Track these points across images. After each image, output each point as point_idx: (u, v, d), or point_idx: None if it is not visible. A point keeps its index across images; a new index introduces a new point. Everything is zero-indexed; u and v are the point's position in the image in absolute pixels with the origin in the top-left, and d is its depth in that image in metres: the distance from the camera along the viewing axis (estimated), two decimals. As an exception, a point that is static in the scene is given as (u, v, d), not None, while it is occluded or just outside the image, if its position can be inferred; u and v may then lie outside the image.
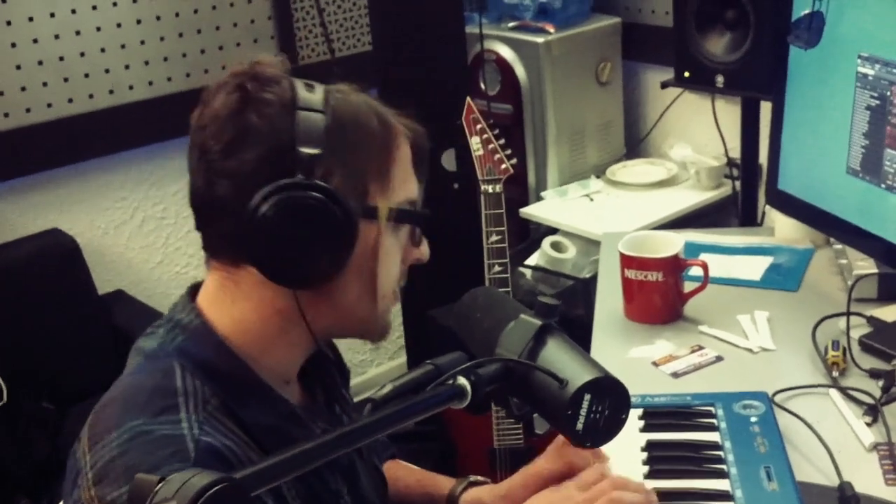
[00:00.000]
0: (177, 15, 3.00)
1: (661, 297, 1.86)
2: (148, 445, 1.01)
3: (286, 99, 1.10)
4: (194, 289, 1.21)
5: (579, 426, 0.95)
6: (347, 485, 1.23)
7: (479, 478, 1.49)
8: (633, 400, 1.01)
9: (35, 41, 2.77)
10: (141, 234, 3.12)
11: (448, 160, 2.98)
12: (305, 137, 1.08)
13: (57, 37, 2.81)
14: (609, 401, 0.96)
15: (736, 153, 2.95)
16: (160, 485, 0.68)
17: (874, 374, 1.63)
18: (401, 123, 1.19)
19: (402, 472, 1.51)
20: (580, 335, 1.04)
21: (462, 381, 0.91)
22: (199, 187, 1.12)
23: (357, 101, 1.16)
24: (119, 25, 2.91)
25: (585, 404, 0.95)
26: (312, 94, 1.12)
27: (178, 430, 1.03)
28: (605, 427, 0.97)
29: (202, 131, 1.11)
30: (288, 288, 1.11)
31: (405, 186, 1.18)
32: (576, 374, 0.95)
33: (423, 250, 1.23)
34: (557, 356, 0.98)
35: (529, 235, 3.24)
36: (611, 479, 1.25)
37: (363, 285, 1.15)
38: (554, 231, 3.10)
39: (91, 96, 2.90)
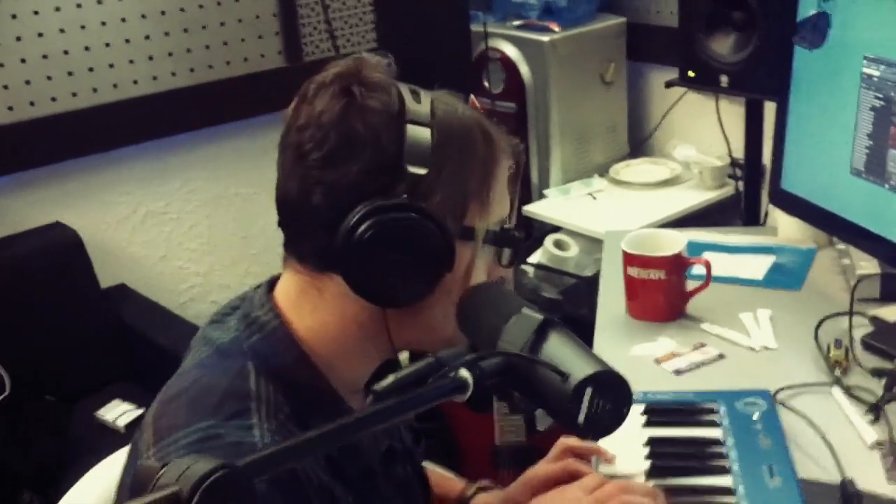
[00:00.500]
0: (181, 10, 3.01)
1: (664, 295, 1.86)
2: (217, 451, 0.95)
3: (393, 109, 1.06)
4: (271, 282, 1.17)
5: (581, 420, 0.95)
6: (405, 500, 1.23)
7: (489, 483, 1.49)
8: (635, 397, 1.01)
9: (40, 35, 2.78)
10: (144, 229, 3.12)
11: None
12: (412, 154, 1.04)
13: (62, 31, 2.81)
14: (611, 394, 0.96)
15: (739, 153, 2.96)
16: (163, 470, 0.68)
17: (876, 373, 1.63)
18: (501, 138, 1.15)
19: None
20: (583, 333, 1.04)
21: (464, 373, 0.91)
22: (291, 191, 1.07)
23: (463, 114, 1.12)
24: (124, 20, 2.91)
25: (587, 398, 0.95)
26: (420, 105, 1.08)
27: (249, 436, 1.01)
28: (607, 421, 0.97)
29: (300, 132, 1.07)
30: (377, 306, 1.08)
31: (501, 205, 1.14)
32: (577, 367, 0.95)
33: (505, 270, 1.18)
34: (559, 350, 0.98)
35: (532, 233, 3.25)
36: (617, 482, 1.26)
37: (450, 304, 1.11)
38: (557, 229, 3.11)
39: (95, 91, 2.90)
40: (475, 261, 1.12)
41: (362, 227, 1.02)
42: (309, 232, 1.08)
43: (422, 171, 1.04)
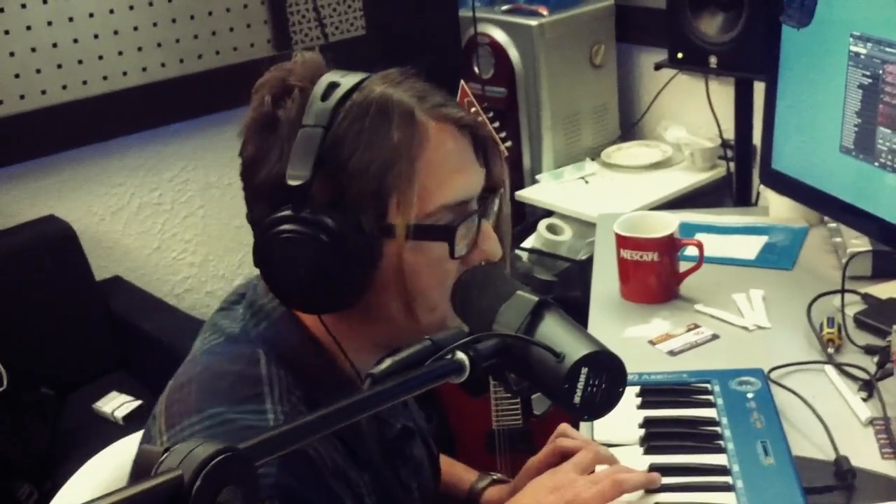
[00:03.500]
0: (170, 0, 3.00)
1: (657, 276, 1.87)
2: (230, 435, 0.97)
3: (293, 117, 1.05)
4: None
5: (577, 400, 0.96)
6: (417, 480, 1.24)
7: (500, 475, 1.48)
8: (630, 378, 1.01)
9: (28, 28, 2.77)
10: (137, 220, 3.12)
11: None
12: (299, 162, 1.02)
13: (50, 23, 2.80)
14: (606, 374, 0.97)
15: (730, 134, 2.96)
16: (165, 455, 0.68)
17: (869, 350, 1.64)
18: (442, 115, 1.09)
19: None
20: (577, 316, 1.04)
21: (460, 355, 0.92)
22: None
23: (378, 102, 1.06)
24: (112, 11, 2.90)
25: (582, 378, 0.96)
26: (323, 104, 1.04)
27: (262, 420, 1.02)
28: (602, 401, 0.98)
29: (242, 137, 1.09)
30: (310, 314, 1.09)
31: (443, 190, 1.07)
32: (573, 348, 0.96)
33: (488, 248, 1.13)
34: (554, 331, 0.99)
35: (525, 218, 3.25)
36: (612, 467, 1.26)
37: (400, 302, 1.08)
38: (549, 214, 3.11)
39: (85, 83, 2.89)
40: (406, 258, 1.06)
41: (262, 241, 1.04)
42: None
43: (299, 182, 1.01)
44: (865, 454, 1.40)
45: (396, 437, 1.21)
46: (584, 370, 0.96)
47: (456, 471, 1.49)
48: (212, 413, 1.02)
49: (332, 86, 1.06)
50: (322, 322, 1.09)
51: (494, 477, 1.48)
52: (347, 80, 1.07)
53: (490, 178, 1.16)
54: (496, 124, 2.44)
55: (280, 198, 1.03)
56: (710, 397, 1.53)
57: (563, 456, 1.32)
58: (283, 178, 1.03)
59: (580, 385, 0.96)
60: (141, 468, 0.70)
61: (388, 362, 0.89)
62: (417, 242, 1.07)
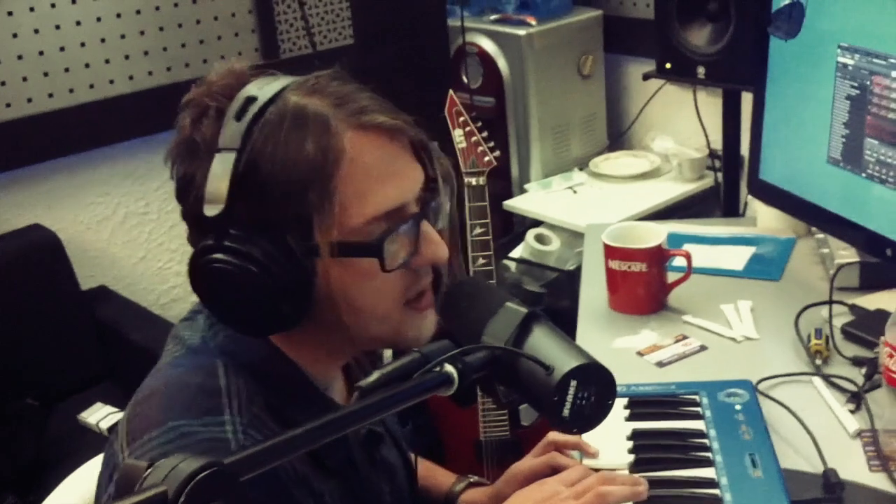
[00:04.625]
0: (157, 9, 2.99)
1: (645, 287, 1.87)
2: (190, 449, 0.97)
3: (209, 139, 1.03)
4: None
5: (566, 412, 0.96)
6: (390, 484, 1.23)
7: (478, 478, 1.48)
8: (618, 389, 1.01)
9: (14, 36, 2.76)
10: (123, 230, 3.11)
11: (431, 153, 2.97)
12: (214, 192, 1.00)
13: (36, 31, 2.79)
14: (595, 387, 0.97)
15: (718, 144, 2.97)
16: (149, 470, 0.68)
17: (857, 361, 1.64)
18: (365, 123, 1.04)
19: None
20: (565, 327, 1.04)
21: (449, 368, 0.92)
22: None
23: (293, 116, 1.02)
24: (99, 20, 2.89)
25: (572, 390, 0.95)
26: (237, 124, 1.01)
27: (221, 432, 1.01)
28: (592, 413, 0.97)
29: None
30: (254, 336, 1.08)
31: (367, 201, 1.03)
32: (562, 360, 0.96)
33: (430, 252, 1.08)
34: (543, 343, 0.98)
35: (513, 228, 3.25)
36: (597, 474, 1.26)
37: (345, 313, 1.06)
38: (538, 223, 3.11)
39: (71, 91, 2.88)
40: (338, 275, 1.03)
41: (192, 271, 1.04)
42: None
43: (216, 212, 1.00)
44: (853, 466, 1.40)
45: (363, 441, 1.20)
46: (574, 382, 0.95)
47: (434, 475, 1.50)
48: (172, 426, 1.01)
49: (249, 101, 1.03)
50: (267, 342, 1.08)
51: (472, 479, 1.48)
52: (265, 91, 1.04)
53: (427, 179, 1.11)
54: (484, 134, 2.44)
55: (206, 225, 1.02)
56: (699, 409, 1.52)
57: (554, 469, 1.32)
58: (197, 206, 1.02)
59: (569, 397, 0.95)
60: (125, 484, 0.69)
61: (376, 375, 0.89)
62: (346, 259, 1.03)
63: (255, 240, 1.00)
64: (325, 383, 1.15)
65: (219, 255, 1.00)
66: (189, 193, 1.04)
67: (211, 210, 1.00)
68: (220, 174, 1.00)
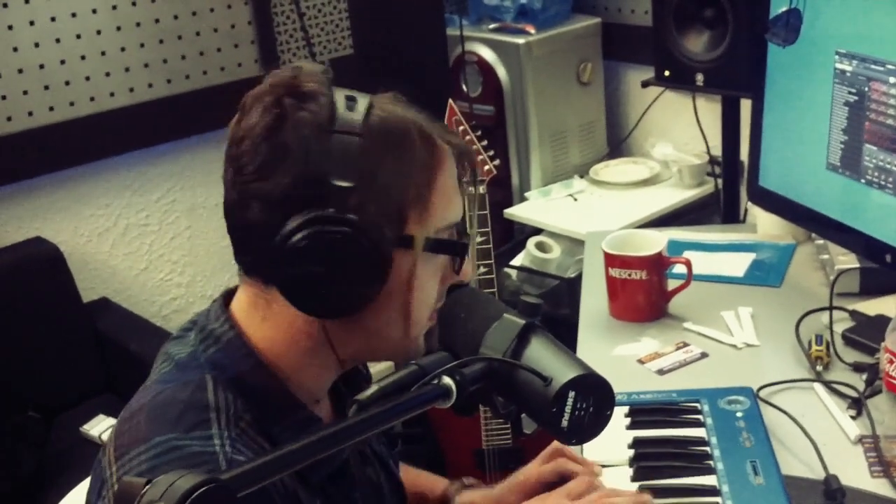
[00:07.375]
0: (157, 21, 3.00)
1: (646, 295, 1.87)
2: (178, 462, 0.98)
3: (323, 119, 1.05)
4: (227, 294, 1.17)
5: (564, 423, 0.96)
6: (375, 502, 1.23)
7: (473, 480, 1.48)
8: (619, 398, 1.02)
9: (15, 49, 2.76)
10: (124, 242, 3.11)
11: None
12: (339, 166, 1.03)
13: (37, 45, 2.80)
14: (593, 398, 0.97)
15: (717, 151, 2.96)
16: (147, 487, 0.68)
17: (858, 367, 1.64)
18: (446, 140, 1.13)
19: None
20: (566, 334, 1.05)
21: (447, 380, 0.92)
22: (231, 204, 1.08)
23: (400, 120, 1.09)
24: (99, 32, 2.90)
25: (570, 402, 0.95)
26: (352, 114, 1.06)
27: (209, 446, 1.01)
28: (590, 424, 0.98)
29: (237, 146, 1.07)
30: (315, 317, 1.08)
31: (448, 210, 1.12)
32: (559, 371, 0.96)
33: (468, 269, 1.16)
34: (541, 354, 0.98)
35: (514, 236, 3.25)
36: (602, 490, 1.26)
37: (396, 314, 1.10)
38: (538, 231, 3.11)
39: (72, 104, 2.89)
40: (417, 270, 1.09)
41: (292, 239, 1.02)
42: (249, 244, 1.09)
43: (347, 184, 1.03)
44: (855, 473, 1.40)
45: (345, 460, 1.20)
46: (572, 394, 0.95)
47: (423, 480, 1.50)
48: (159, 441, 1.01)
49: (350, 98, 1.08)
50: (323, 327, 1.09)
51: (466, 482, 1.48)
52: (358, 95, 1.09)
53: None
54: (484, 142, 2.44)
55: (312, 198, 1.03)
56: (700, 416, 1.52)
57: (562, 476, 1.32)
58: (314, 179, 1.03)
59: (568, 409, 0.96)
60: (122, 501, 0.69)
61: (374, 388, 0.89)
62: (430, 255, 1.09)
63: (362, 220, 1.03)
64: (312, 399, 1.15)
65: (340, 227, 1.02)
66: (280, 167, 1.04)
67: (341, 182, 1.03)
68: (342, 154, 1.04)
